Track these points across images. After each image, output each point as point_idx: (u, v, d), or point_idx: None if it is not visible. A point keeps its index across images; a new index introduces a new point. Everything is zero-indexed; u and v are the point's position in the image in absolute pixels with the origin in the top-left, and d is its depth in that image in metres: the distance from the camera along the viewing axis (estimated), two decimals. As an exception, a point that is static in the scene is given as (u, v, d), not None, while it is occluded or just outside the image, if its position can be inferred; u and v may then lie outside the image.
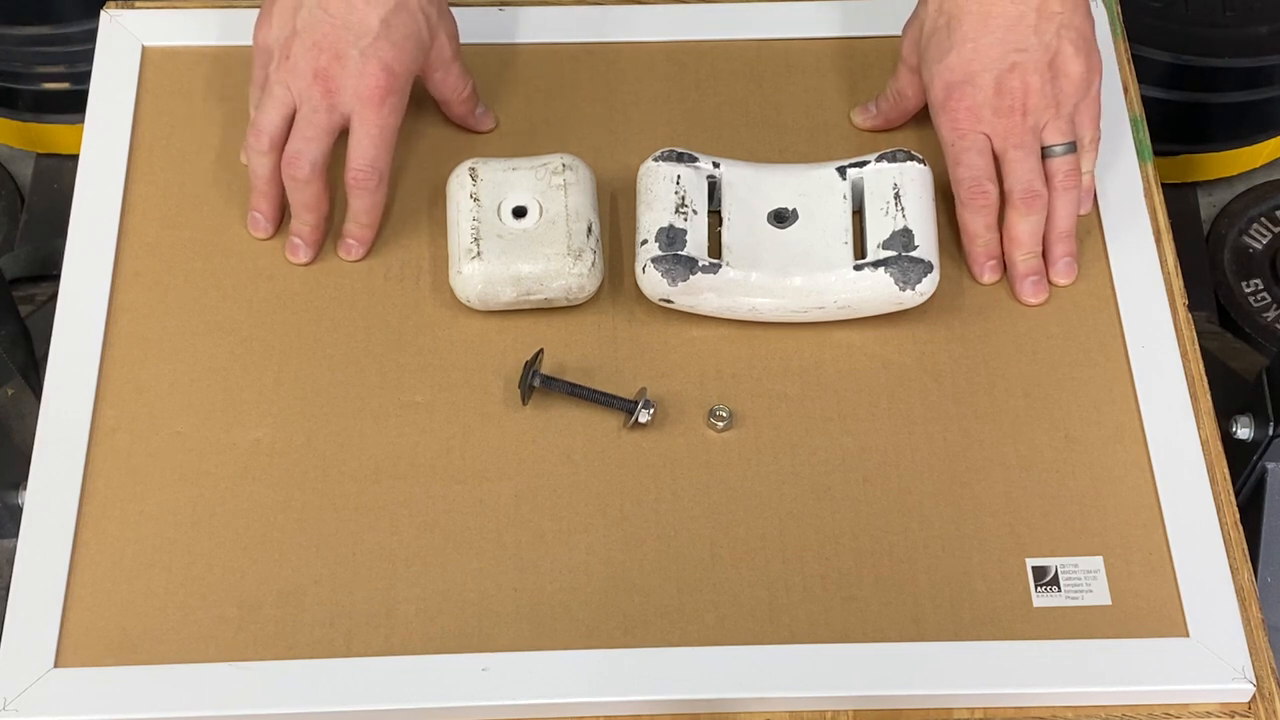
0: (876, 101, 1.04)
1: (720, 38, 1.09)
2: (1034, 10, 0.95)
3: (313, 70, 0.95)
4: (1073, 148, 0.97)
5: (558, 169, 0.98)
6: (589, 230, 0.96)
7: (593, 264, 0.95)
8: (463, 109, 1.03)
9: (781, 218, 0.97)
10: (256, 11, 1.09)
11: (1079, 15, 0.97)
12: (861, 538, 0.89)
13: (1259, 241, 1.72)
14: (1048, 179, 0.97)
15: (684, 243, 0.94)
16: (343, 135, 0.97)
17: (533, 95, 1.06)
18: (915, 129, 1.05)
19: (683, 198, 0.96)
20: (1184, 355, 0.95)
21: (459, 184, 0.98)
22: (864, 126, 1.05)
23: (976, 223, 0.97)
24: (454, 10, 1.02)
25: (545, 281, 0.95)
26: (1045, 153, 0.97)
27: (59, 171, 1.75)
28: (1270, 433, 1.13)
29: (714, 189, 0.98)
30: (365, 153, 0.96)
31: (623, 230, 1.00)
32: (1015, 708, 0.85)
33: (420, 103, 1.04)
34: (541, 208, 0.97)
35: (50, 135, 1.74)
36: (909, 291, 0.94)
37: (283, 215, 0.99)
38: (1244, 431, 1.15)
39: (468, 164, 0.98)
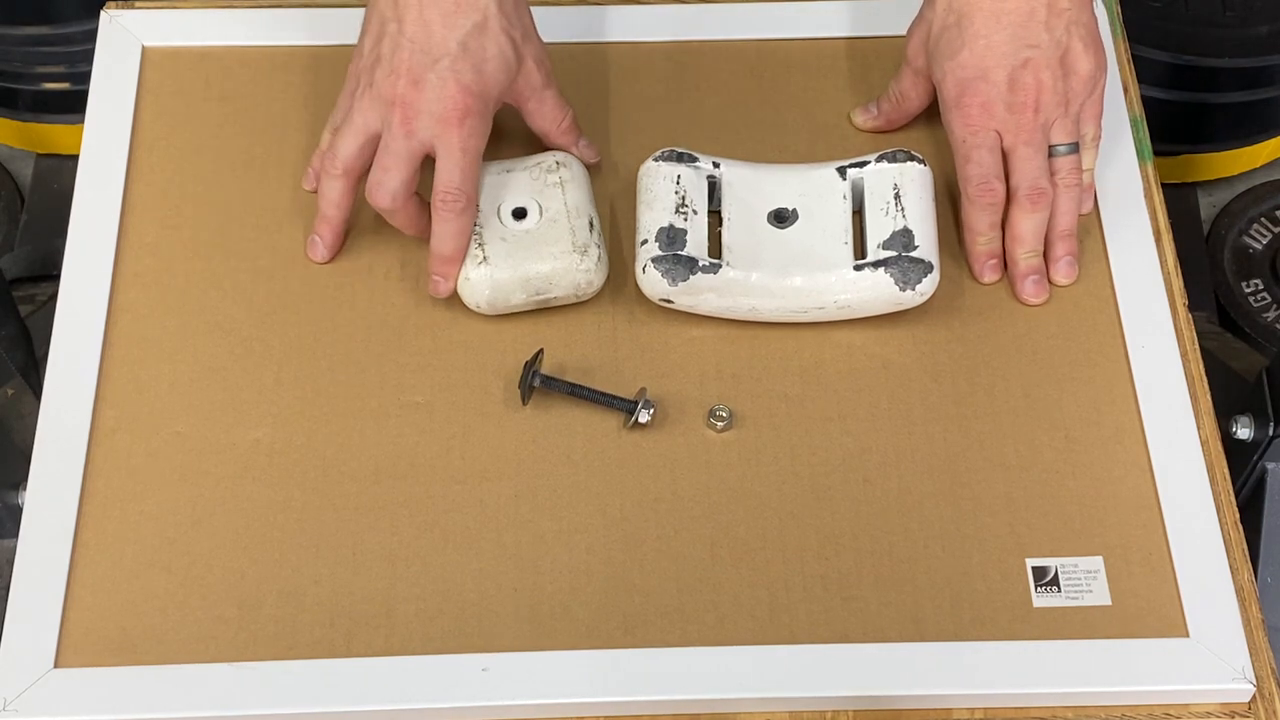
0: (878, 102, 1.04)
1: (720, 38, 1.09)
2: (1044, 6, 0.95)
3: (391, 97, 0.94)
4: (1076, 148, 0.97)
5: (551, 167, 0.98)
6: (590, 225, 0.96)
7: (599, 259, 0.96)
8: (564, 139, 1.01)
9: (781, 218, 0.97)
10: (257, 11, 1.09)
11: (1086, 11, 0.97)
12: (861, 538, 0.89)
13: (1259, 241, 1.72)
14: (1051, 177, 0.97)
15: (684, 243, 0.94)
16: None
17: (533, 95, 1.06)
18: (916, 129, 1.05)
19: (683, 198, 0.96)
20: (1184, 355, 0.95)
21: (457, 186, 0.98)
22: (865, 127, 1.05)
23: (982, 221, 0.97)
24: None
25: (554, 280, 0.95)
26: (1050, 151, 0.97)
27: (59, 171, 1.75)
28: (1270, 433, 1.13)
29: (714, 189, 0.98)
30: (450, 176, 0.94)
31: (623, 230, 1.00)
32: (1015, 708, 0.85)
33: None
34: (541, 207, 0.97)
35: (50, 135, 1.74)
36: (909, 292, 0.94)
37: (342, 244, 0.99)
38: (1244, 431, 1.15)
39: (464, 167, 0.98)
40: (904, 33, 1.02)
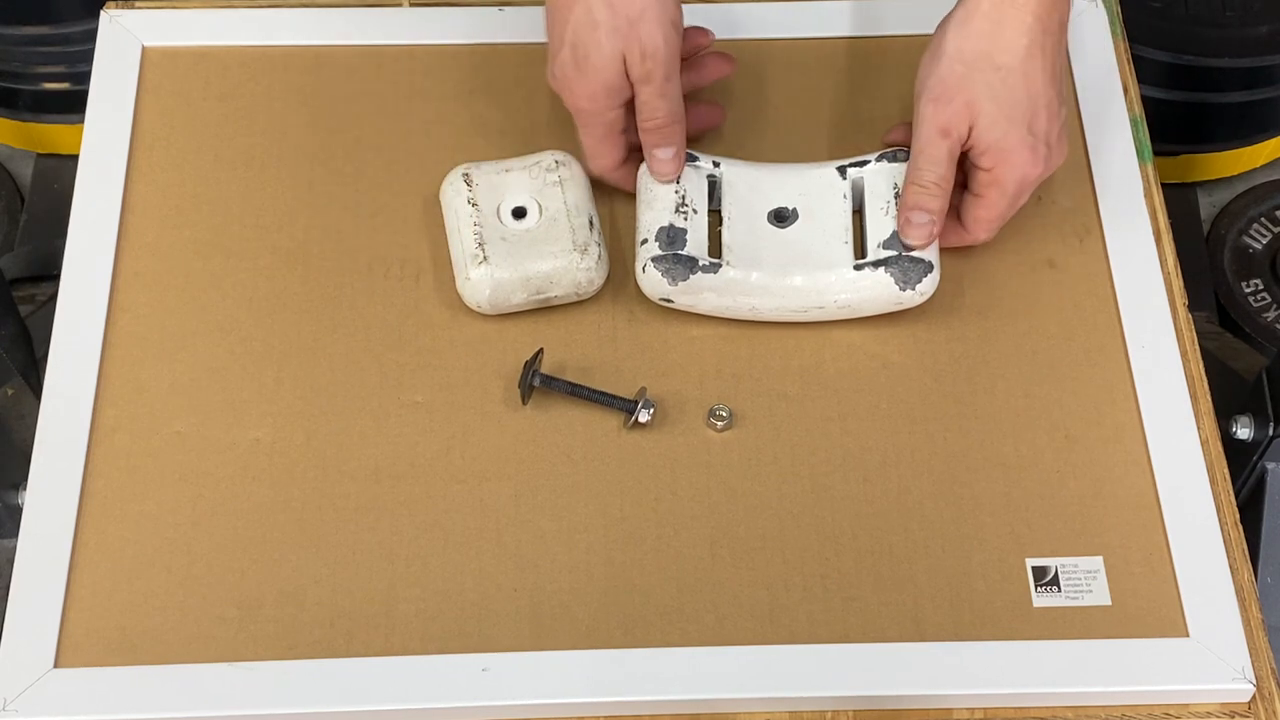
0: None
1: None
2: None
3: (614, 56, 0.94)
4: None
5: (551, 166, 0.98)
6: (590, 224, 0.96)
7: (599, 257, 0.96)
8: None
9: (782, 217, 0.97)
10: (257, 11, 1.09)
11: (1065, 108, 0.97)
12: (861, 538, 0.89)
13: (1259, 241, 1.72)
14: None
15: (684, 242, 0.94)
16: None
17: (532, 95, 1.06)
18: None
19: (683, 197, 0.96)
20: (1184, 355, 0.95)
21: (455, 190, 0.97)
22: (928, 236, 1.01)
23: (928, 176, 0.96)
24: (453, 10, 1.01)
25: (554, 279, 0.95)
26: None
27: (59, 171, 1.75)
28: (1270, 433, 1.13)
29: (714, 188, 0.98)
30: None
31: (623, 230, 1.00)
32: (1015, 708, 0.85)
33: (408, 99, 1.04)
34: (540, 206, 0.97)
35: (50, 135, 1.74)
36: (909, 291, 0.94)
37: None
38: (1244, 431, 1.15)
39: (460, 169, 0.98)
40: (904, 32, 1.02)
